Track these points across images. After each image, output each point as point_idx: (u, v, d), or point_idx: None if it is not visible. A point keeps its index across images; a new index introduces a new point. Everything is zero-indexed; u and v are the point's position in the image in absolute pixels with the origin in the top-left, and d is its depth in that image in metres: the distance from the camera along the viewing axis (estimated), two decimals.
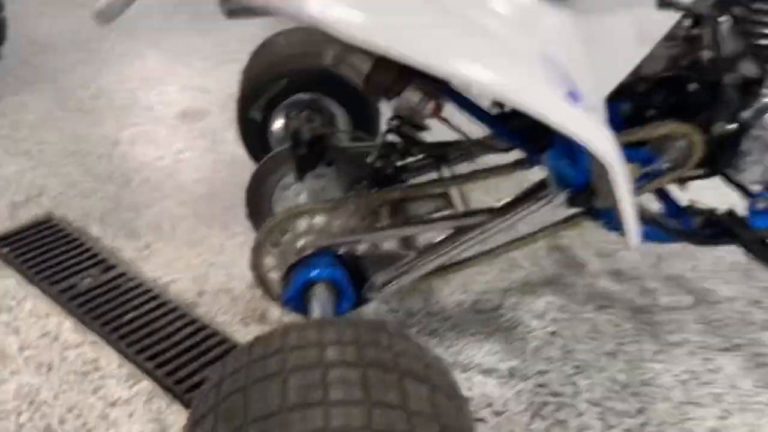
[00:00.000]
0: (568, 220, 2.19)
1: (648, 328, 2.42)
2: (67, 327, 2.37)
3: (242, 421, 1.26)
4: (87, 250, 2.77)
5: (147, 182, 3.21)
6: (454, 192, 2.19)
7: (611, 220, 2.06)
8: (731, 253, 2.58)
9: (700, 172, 2.17)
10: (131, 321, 2.41)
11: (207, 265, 2.69)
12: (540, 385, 2.19)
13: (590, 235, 2.89)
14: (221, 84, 4.15)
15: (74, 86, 4.12)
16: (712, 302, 2.54)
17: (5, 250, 2.74)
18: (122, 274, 2.64)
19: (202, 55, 4.62)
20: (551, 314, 2.48)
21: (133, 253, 2.75)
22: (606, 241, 2.85)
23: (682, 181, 2.26)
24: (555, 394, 2.16)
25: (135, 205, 3.04)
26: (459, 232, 2.09)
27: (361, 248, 2.12)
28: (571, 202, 1.99)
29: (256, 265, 2.09)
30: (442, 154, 2.38)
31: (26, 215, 2.96)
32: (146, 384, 2.15)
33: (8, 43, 4.18)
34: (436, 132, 2.10)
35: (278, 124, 2.76)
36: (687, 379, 2.22)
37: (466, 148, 2.37)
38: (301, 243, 2.04)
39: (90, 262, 2.70)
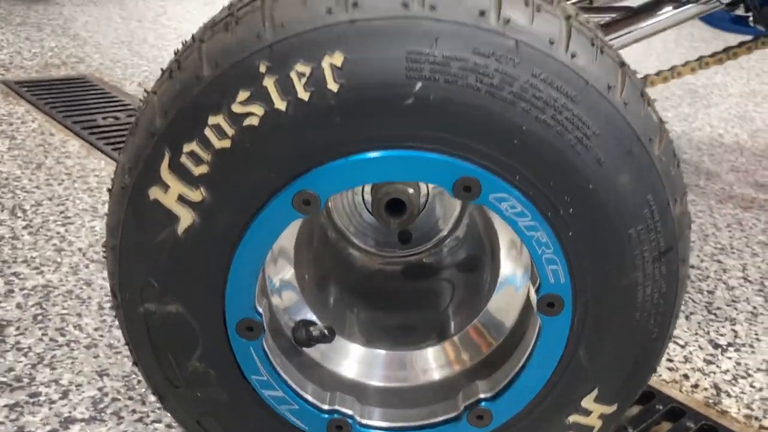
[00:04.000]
0: (731, 48, 1.69)
1: None
2: (72, 144, 1.93)
3: None
4: (118, 101, 2.36)
5: None
6: None
7: None
8: None
9: None
10: None
11: None
12: None
13: (722, 155, 2.34)
14: None
15: (141, 8, 3.87)
16: None
17: (24, 89, 2.36)
18: None
19: None
20: None
21: None
22: (741, 162, 2.29)
23: None
24: (694, 267, 1.58)
25: None
26: None
27: None
28: None
29: None
30: None
31: (58, 73, 2.60)
32: None
33: None
34: None
35: None
36: None
37: None
38: None
39: (116, 108, 2.29)
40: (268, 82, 0.62)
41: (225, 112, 0.63)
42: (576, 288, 0.69)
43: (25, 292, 1.23)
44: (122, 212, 0.68)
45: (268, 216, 0.66)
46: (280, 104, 0.63)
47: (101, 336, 1.13)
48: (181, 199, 0.66)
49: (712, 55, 1.74)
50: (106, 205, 1.58)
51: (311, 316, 0.84)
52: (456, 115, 0.63)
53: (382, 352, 0.85)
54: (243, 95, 0.63)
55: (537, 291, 0.69)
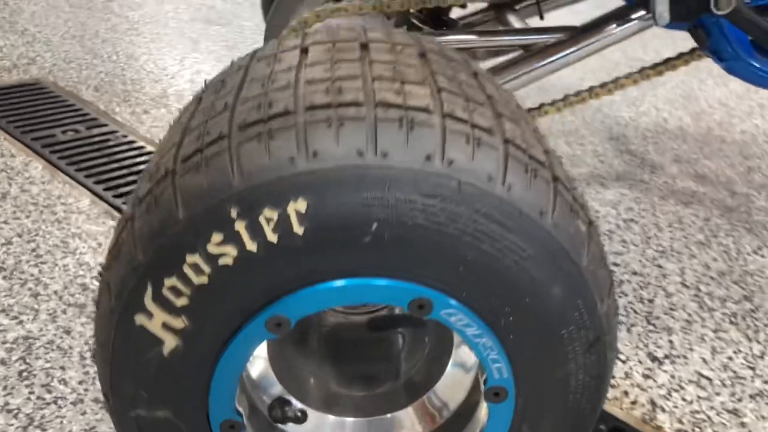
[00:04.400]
0: (671, 59, 1.77)
1: (745, 226, 1.96)
2: (35, 167, 1.95)
3: (235, 87, 0.83)
4: (76, 110, 2.37)
5: (154, 62, 2.83)
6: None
7: (726, 45, 1.65)
8: None
9: None
10: (115, 170, 2.00)
11: None
12: (616, 264, 1.73)
13: (666, 143, 2.46)
14: None
15: None
16: None
17: None
18: (113, 132, 2.23)
19: None
20: (625, 204, 2.03)
21: (129, 116, 2.34)
22: (684, 150, 2.41)
23: None
24: (636, 274, 1.70)
25: (138, 79, 2.65)
26: (528, 53, 1.68)
27: None
28: (676, 12, 1.58)
29: None
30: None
31: (10, 78, 2.57)
32: None
33: None
34: None
35: None
36: None
37: None
38: None
39: (75, 119, 2.30)
40: (240, 227, 0.69)
41: (201, 253, 0.70)
42: (518, 381, 0.79)
43: (8, 345, 1.29)
44: (111, 333, 0.75)
45: (243, 337, 0.74)
46: (251, 246, 0.70)
47: (86, 390, 1.20)
48: (165, 326, 0.73)
49: (653, 67, 1.83)
50: (77, 240, 1.63)
51: (287, 396, 0.92)
52: (408, 249, 0.71)
53: (350, 419, 0.95)
54: (217, 238, 0.70)
55: (485, 383, 0.79)
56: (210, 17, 3.52)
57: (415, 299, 0.73)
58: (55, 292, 1.44)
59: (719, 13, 1.52)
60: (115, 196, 1.85)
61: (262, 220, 0.69)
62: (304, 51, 0.89)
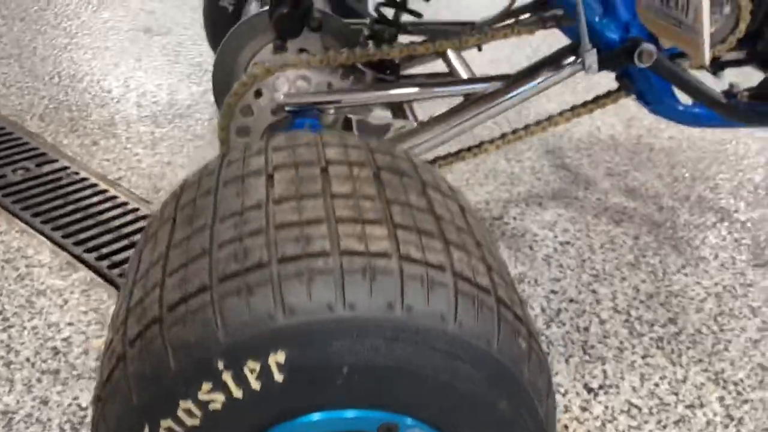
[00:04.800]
0: (600, 98, 1.90)
1: (671, 243, 2.13)
2: None
3: (208, 220, 0.91)
4: (22, 144, 2.37)
5: (98, 83, 2.82)
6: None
7: (650, 91, 1.78)
8: (756, 174, 2.41)
9: (739, 56, 1.94)
10: (71, 213, 2.03)
11: (163, 164, 2.32)
12: (554, 292, 1.88)
13: (599, 155, 2.61)
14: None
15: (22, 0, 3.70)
16: (737, 221, 2.27)
17: None
18: (65, 168, 2.25)
19: None
20: (561, 225, 2.18)
21: (78, 149, 2.36)
22: (615, 162, 2.57)
23: (717, 67, 2.01)
24: (572, 301, 1.85)
25: (84, 104, 2.64)
26: (468, 101, 1.78)
27: (352, 117, 1.79)
28: (604, 63, 1.71)
29: (224, 129, 1.73)
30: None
31: None
32: (84, 274, 1.77)
33: None
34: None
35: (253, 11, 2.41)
36: (720, 291, 1.93)
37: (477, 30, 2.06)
38: (279, 100, 1.70)
39: (24, 155, 2.31)
40: (226, 377, 0.79)
41: (193, 399, 0.79)
42: None
43: None
44: None
45: None
46: (238, 393, 0.79)
47: None
48: None
49: (584, 105, 1.96)
50: (42, 298, 1.68)
51: None
52: (376, 386, 0.82)
53: None
54: (206, 387, 0.79)
55: None
56: (149, 25, 3.49)
57: (383, 424, 0.85)
58: (27, 359, 1.50)
59: (642, 65, 1.66)
60: (75, 244, 1.89)
61: (246, 371, 0.79)
62: (270, 178, 0.97)
